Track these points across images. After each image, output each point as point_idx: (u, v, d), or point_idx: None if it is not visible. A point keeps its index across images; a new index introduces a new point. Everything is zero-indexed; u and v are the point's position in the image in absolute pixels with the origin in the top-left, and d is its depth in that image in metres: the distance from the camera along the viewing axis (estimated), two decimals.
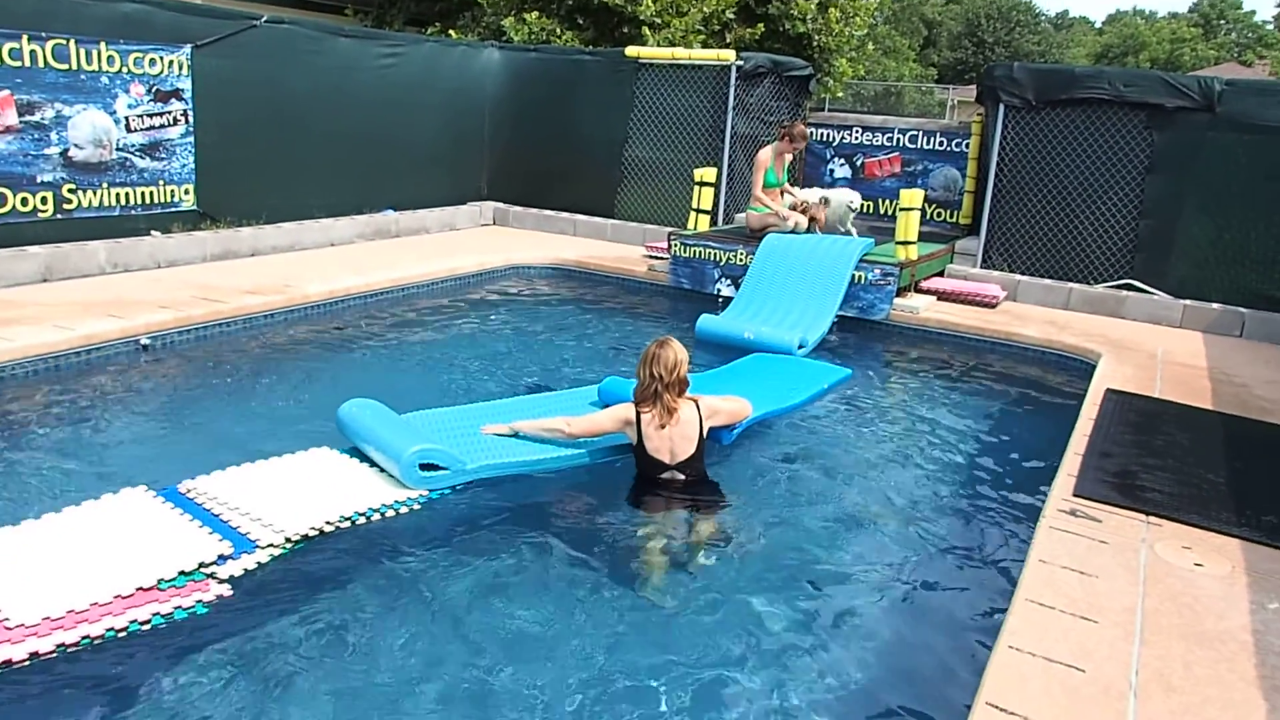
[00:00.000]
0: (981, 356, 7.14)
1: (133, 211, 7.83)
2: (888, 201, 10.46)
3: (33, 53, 6.98)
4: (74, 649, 2.82)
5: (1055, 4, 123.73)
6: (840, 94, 20.97)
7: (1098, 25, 73.84)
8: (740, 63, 10.05)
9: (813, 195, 8.62)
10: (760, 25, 14.92)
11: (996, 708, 2.59)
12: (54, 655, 2.78)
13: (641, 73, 10.60)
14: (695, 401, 4.22)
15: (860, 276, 7.62)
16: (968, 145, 10.00)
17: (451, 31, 14.39)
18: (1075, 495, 4.10)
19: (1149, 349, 7.02)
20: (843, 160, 10.82)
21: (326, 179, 9.54)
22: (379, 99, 9.94)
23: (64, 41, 7.15)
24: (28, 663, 2.74)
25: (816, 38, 15.70)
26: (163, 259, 7.73)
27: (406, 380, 5.91)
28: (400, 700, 2.78)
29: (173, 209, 8.14)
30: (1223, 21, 64.99)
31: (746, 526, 4.05)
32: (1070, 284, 8.45)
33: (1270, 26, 66.06)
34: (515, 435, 4.45)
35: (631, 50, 10.65)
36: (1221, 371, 6.52)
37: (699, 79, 10.32)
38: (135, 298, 6.55)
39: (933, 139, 10.40)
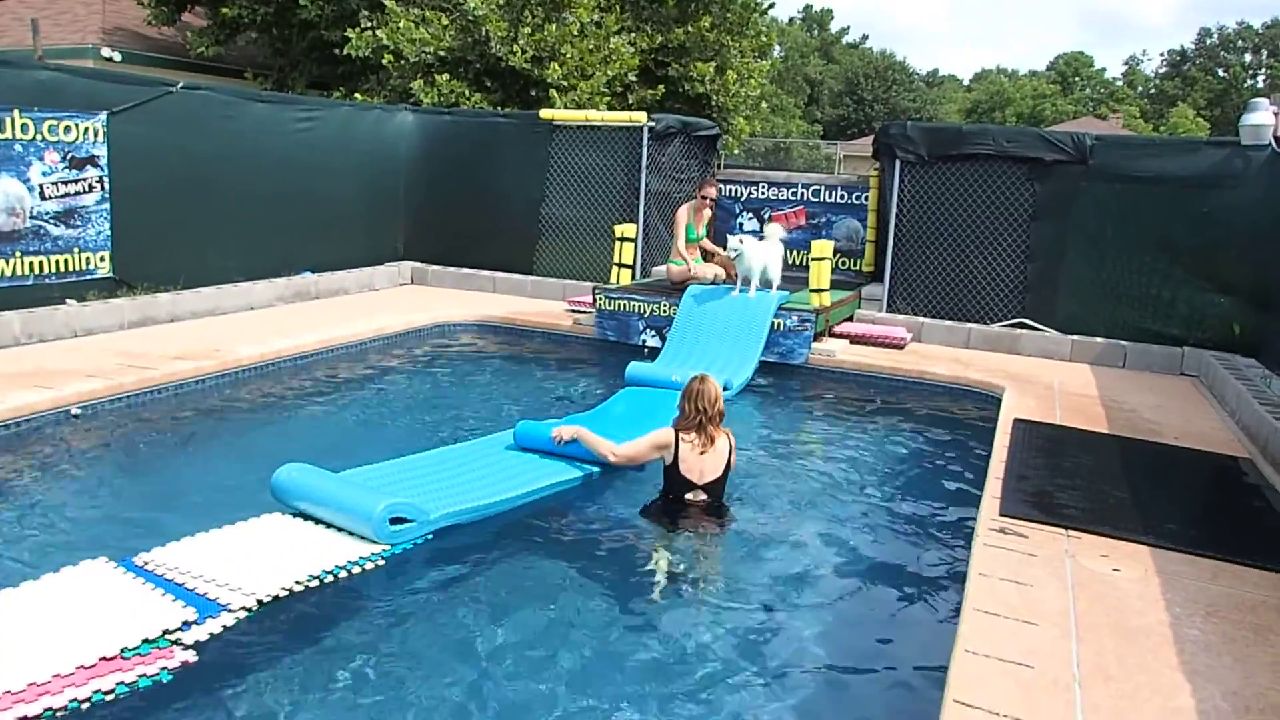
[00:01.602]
0: (897, 394, 7.59)
1: (47, 280, 7.65)
2: (796, 252, 10.99)
3: None
4: None
5: (926, 63, 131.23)
6: (737, 150, 21.87)
7: (966, 83, 78.68)
8: (652, 124, 10.49)
9: (734, 242, 9.01)
10: (661, 87, 15.57)
11: (965, 704, 2.86)
12: None
13: (556, 133, 10.94)
14: (728, 433, 4.77)
15: (779, 324, 8.02)
16: (867, 198, 10.62)
17: (358, 95, 14.51)
18: (1002, 515, 4.47)
19: (1046, 381, 7.60)
20: (751, 214, 11.34)
21: (244, 242, 9.48)
22: (295, 162, 9.98)
23: None
24: None
25: (715, 98, 16.46)
26: (79, 327, 7.55)
27: (347, 438, 5.95)
28: None
29: (88, 276, 7.97)
30: (1078, 78, 70.21)
31: (710, 555, 4.28)
32: (969, 324, 9.06)
33: (1120, 83, 71.72)
34: (573, 441, 4.99)
35: (546, 112, 10.99)
36: (1111, 399, 7.12)
37: (612, 139, 10.72)
38: (58, 367, 6.40)
39: (834, 192, 11.02)
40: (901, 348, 8.61)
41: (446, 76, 13.58)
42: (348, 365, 7.71)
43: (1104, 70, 72.27)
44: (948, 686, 2.97)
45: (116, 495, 4.87)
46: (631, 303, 8.63)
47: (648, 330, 8.53)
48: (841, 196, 10.97)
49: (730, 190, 11.40)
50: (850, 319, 9.33)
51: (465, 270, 11.24)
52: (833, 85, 63.89)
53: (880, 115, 55.92)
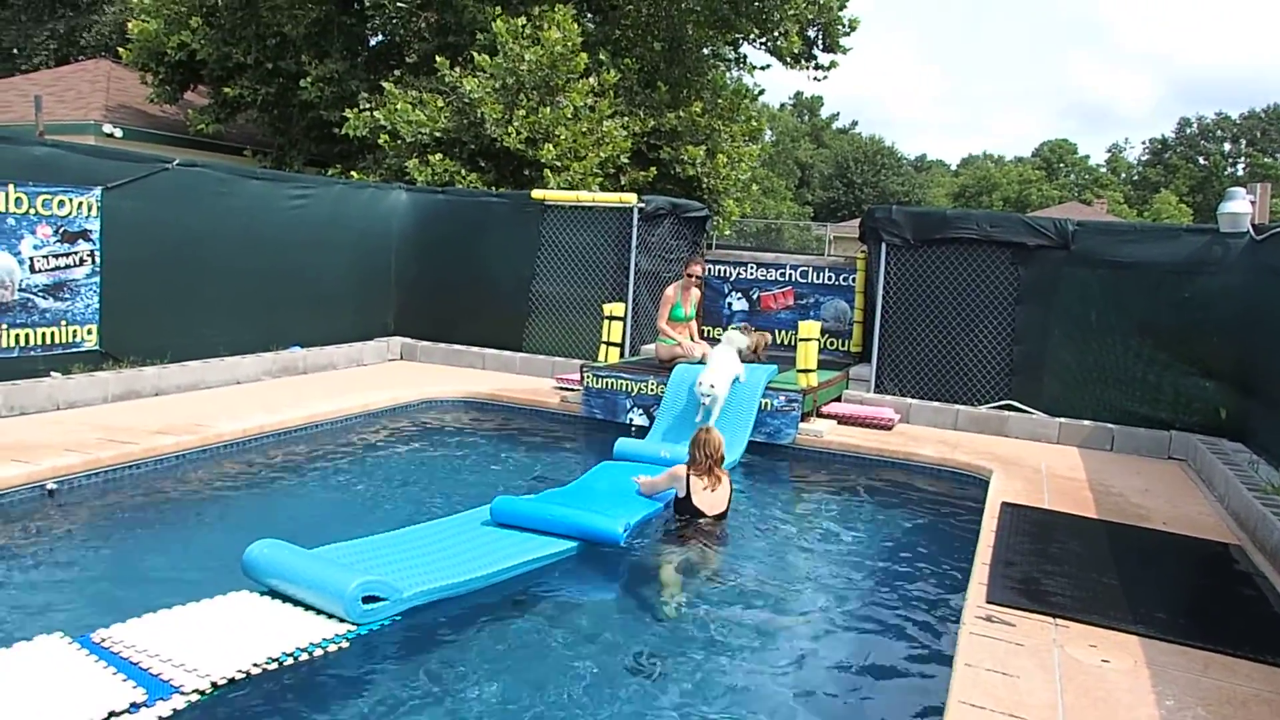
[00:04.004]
0: (884, 475, 7.54)
1: (32, 352, 7.63)
2: (784, 332, 11.06)
3: None
4: None
5: (914, 148, 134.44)
6: (728, 231, 22.19)
7: (953, 168, 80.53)
8: (642, 205, 10.65)
9: (703, 347, 9.14)
10: (653, 169, 15.86)
11: None
12: None
13: (547, 213, 11.09)
14: (728, 475, 5.95)
15: (767, 403, 8.01)
16: (854, 279, 10.74)
17: (354, 173, 14.75)
18: (988, 602, 4.39)
19: (1034, 464, 7.57)
20: (740, 294, 11.44)
21: (232, 316, 9.50)
22: (288, 239, 10.07)
23: None
24: None
25: (705, 180, 16.78)
26: (62, 400, 7.50)
27: (327, 514, 5.88)
28: None
29: (74, 349, 7.95)
30: (1062, 164, 71.93)
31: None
32: (957, 405, 9.07)
33: (1104, 169, 73.39)
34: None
35: (538, 193, 11.16)
36: (1100, 483, 7.08)
37: (603, 219, 10.86)
38: (37, 440, 6.32)
39: (822, 274, 11.13)
40: (889, 428, 8.59)
41: (440, 156, 13.83)
42: (332, 441, 7.64)
43: (1088, 157, 74.20)
44: None
45: (84, 571, 4.76)
46: (619, 381, 8.63)
47: (635, 409, 8.51)
48: (829, 278, 11.09)
49: (719, 270, 11.51)
50: (838, 399, 9.33)
51: (455, 346, 11.26)
52: (823, 168, 65.31)
53: (870, 198, 57.03)
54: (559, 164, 13.83)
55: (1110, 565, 5.07)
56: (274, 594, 4.21)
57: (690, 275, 9.27)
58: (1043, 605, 4.37)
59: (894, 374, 9.54)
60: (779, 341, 11.04)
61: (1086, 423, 8.60)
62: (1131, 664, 3.84)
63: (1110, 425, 8.53)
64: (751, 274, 11.44)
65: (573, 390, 9.17)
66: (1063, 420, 8.67)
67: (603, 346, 9.33)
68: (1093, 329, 8.78)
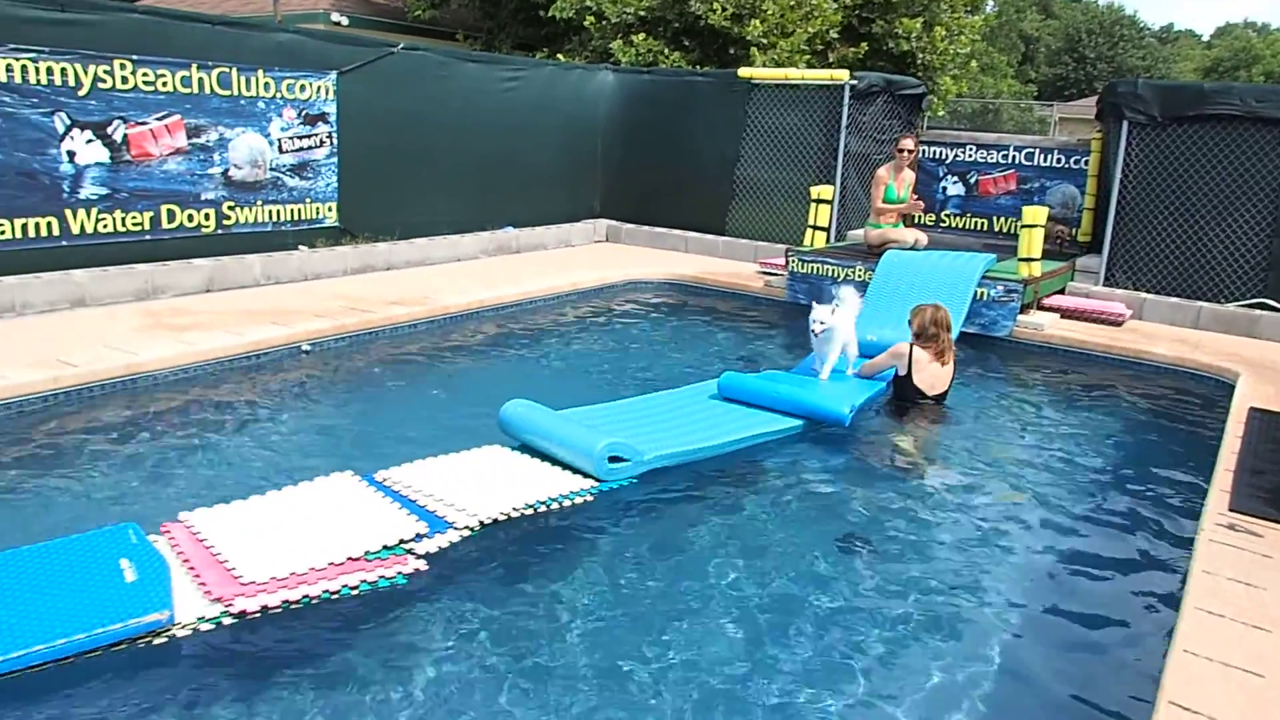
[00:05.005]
0: (1111, 374, 7.07)
1: (283, 227, 8.36)
2: (1003, 219, 10.40)
3: (200, 80, 7.54)
4: (296, 605, 3.15)
5: (1160, 17, 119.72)
6: (941, 112, 20.83)
7: (1205, 39, 71.29)
8: (854, 82, 10.15)
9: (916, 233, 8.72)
10: (864, 44, 15.01)
11: (1180, 707, 2.66)
12: (279, 610, 3.12)
13: (754, 93, 10.80)
14: (954, 352, 5.87)
15: (983, 293, 7.63)
16: (1086, 162, 9.87)
17: (559, 56, 14.88)
18: (1232, 510, 4.09)
19: None
20: (956, 178, 10.79)
21: (453, 197, 9.98)
22: (501, 120, 10.36)
23: (227, 69, 7.70)
24: (258, 614, 3.09)
25: (921, 56, 15.71)
26: (309, 272, 8.22)
27: (547, 383, 6.25)
28: (581, 672, 2.98)
29: (317, 225, 8.65)
30: None
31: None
32: (1200, 302, 8.28)
33: None
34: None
35: (744, 71, 10.86)
36: None
37: (812, 98, 10.46)
38: (290, 307, 7.00)
39: (1050, 156, 10.29)
40: (1119, 324, 7.99)
41: (644, 35, 13.66)
42: (545, 316, 8.00)
43: None
44: (1162, 687, 2.77)
45: (349, 420, 5.37)
46: (825, 266, 8.45)
47: None
48: (1058, 160, 10.25)
49: (934, 153, 10.89)
50: (1061, 291, 8.75)
51: (658, 229, 11.36)
52: (1050, 42, 59.48)
53: (1103, 75, 51.60)
54: (765, 41, 13.35)
55: None
56: (521, 449, 4.56)
57: (902, 151, 8.79)
58: None
59: (1127, 266, 8.80)
60: (997, 229, 10.42)
61: None
62: None
63: None
64: (970, 156, 10.75)
65: (777, 275, 9.08)
66: None
67: (808, 230, 9.13)
68: None
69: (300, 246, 8.40)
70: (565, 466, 4.35)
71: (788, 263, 8.73)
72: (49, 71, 6.62)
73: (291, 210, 8.42)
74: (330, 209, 8.74)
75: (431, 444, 4.54)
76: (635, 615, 3.36)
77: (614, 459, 4.29)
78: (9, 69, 6.41)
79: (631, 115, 11.68)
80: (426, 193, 9.68)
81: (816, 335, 5.65)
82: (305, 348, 6.33)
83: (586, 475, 4.27)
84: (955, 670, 3.13)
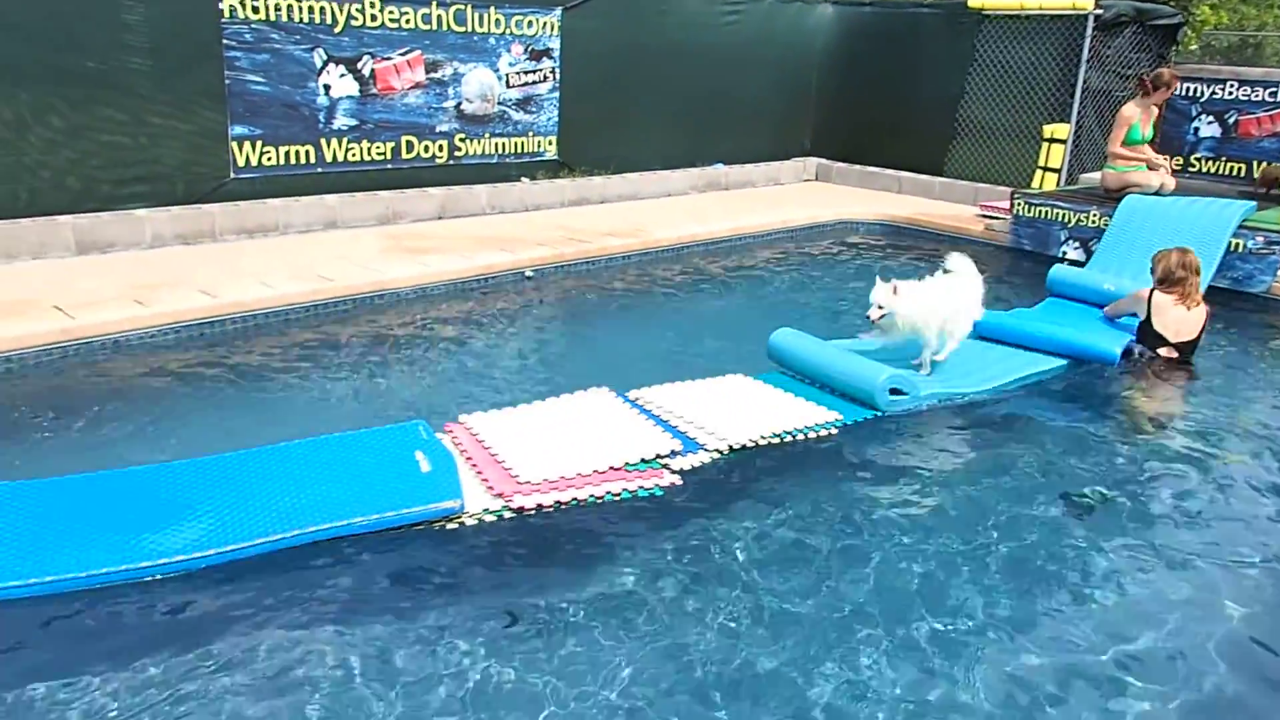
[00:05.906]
0: None
1: (507, 160, 8.75)
2: (1267, 164, 9.36)
3: (439, 17, 7.95)
4: (565, 506, 3.42)
5: None
6: (1194, 46, 18.84)
7: None
8: (1099, 11, 9.34)
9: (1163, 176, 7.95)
10: None
11: None
12: (551, 509, 3.40)
13: (984, 25, 10.16)
14: (1202, 298, 5.41)
15: (1238, 244, 6.95)
16: None
17: None
18: None
19: None
20: (1211, 118, 9.78)
21: (665, 133, 10.07)
22: (717, 56, 10.29)
23: (462, 7, 8.07)
24: (533, 512, 3.37)
25: None
26: (530, 203, 8.59)
27: (771, 316, 6.21)
28: (828, 601, 3.03)
29: (538, 158, 8.99)
30: None
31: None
32: None
33: None
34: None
35: (975, 1, 10.22)
36: None
37: (1048, 31, 9.73)
38: (514, 235, 7.37)
39: None
40: None
41: None
42: (758, 252, 8.03)
43: None
44: None
45: (583, 342, 5.74)
46: (1055, 210, 7.94)
47: (1071, 241, 7.83)
48: None
49: (1187, 89, 9.90)
50: None
51: (870, 169, 11.02)
52: None
53: None
54: None
55: None
56: (773, 379, 4.66)
57: (1160, 87, 8.00)
58: None
59: None
60: (1258, 175, 9.40)
61: None
62: None
63: None
64: (1230, 94, 9.70)
65: (999, 219, 8.64)
66: None
67: (1038, 172, 8.62)
68: None
69: (523, 179, 8.78)
70: (833, 393, 4.45)
71: (1013, 206, 8.27)
72: (309, 10, 7.18)
73: (516, 143, 8.79)
74: (550, 143, 9.05)
75: (672, 368, 4.72)
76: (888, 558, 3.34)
77: (894, 391, 4.35)
78: (277, 8, 7.01)
79: (849, 50, 11.29)
80: (640, 128, 9.82)
81: (874, 321, 4.72)
82: (529, 273, 6.67)
83: (859, 403, 4.34)
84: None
